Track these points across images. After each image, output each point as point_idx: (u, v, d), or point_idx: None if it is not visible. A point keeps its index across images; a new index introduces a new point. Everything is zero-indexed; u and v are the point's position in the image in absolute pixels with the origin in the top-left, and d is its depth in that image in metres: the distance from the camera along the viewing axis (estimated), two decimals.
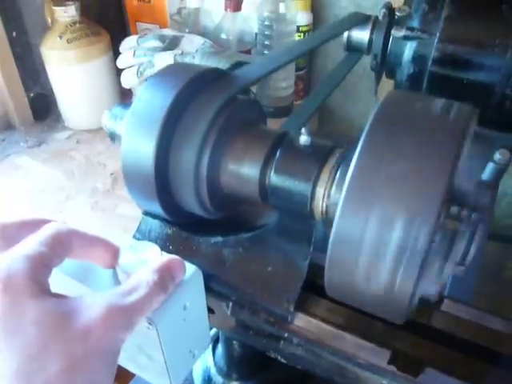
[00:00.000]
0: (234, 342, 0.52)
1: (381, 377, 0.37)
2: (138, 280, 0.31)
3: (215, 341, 0.58)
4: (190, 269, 0.37)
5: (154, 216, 0.45)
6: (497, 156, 0.58)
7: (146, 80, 0.91)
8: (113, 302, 0.28)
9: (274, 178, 0.34)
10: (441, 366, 0.36)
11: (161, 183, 0.37)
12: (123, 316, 0.28)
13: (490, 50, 0.52)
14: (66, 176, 0.89)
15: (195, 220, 0.43)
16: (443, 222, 0.27)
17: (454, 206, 0.28)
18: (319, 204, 0.33)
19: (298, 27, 0.98)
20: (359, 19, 0.64)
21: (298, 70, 1.04)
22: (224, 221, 0.44)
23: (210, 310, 0.42)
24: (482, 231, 0.28)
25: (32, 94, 1.01)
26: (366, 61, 0.65)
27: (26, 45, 0.99)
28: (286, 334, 0.40)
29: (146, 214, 0.45)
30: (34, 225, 0.31)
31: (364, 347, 0.38)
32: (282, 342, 0.40)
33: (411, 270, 0.27)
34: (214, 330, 0.57)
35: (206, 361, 0.58)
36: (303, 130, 0.33)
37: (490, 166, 0.61)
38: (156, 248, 0.37)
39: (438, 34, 0.54)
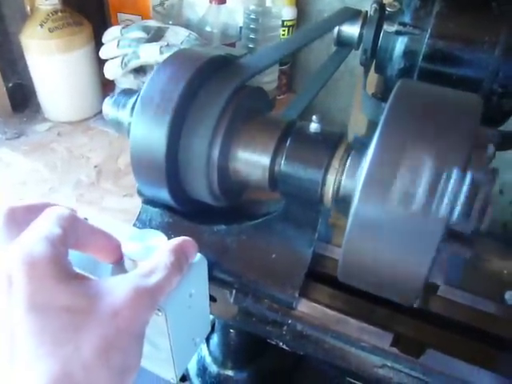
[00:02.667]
0: (230, 331, 0.53)
1: (384, 359, 0.38)
2: (156, 262, 0.31)
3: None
4: (196, 256, 0.37)
5: (155, 204, 0.45)
6: None
7: (130, 71, 0.90)
8: (137, 283, 0.28)
9: (284, 166, 0.35)
10: (441, 348, 0.37)
11: (171, 171, 0.37)
12: (148, 297, 0.28)
13: (479, 47, 0.54)
14: (48, 168, 0.87)
15: (198, 208, 0.43)
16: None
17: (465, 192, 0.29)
18: (329, 191, 0.34)
19: (283, 21, 0.98)
20: (350, 14, 0.65)
21: (281, 64, 1.04)
22: (227, 210, 0.44)
23: (212, 298, 0.42)
24: (490, 215, 0.30)
25: (10, 84, 0.98)
26: (348, 57, 0.67)
27: (4, 33, 0.96)
28: (289, 320, 0.40)
29: (147, 202, 0.45)
30: (41, 208, 0.31)
31: (367, 331, 0.39)
32: (285, 328, 0.41)
33: (426, 253, 0.28)
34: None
35: (201, 350, 0.58)
36: (314, 117, 0.34)
37: None
38: (161, 235, 0.37)
39: (429, 30, 0.55)
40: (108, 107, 0.42)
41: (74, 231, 0.30)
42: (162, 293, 0.30)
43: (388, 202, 0.27)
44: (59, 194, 0.80)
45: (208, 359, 0.57)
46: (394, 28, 0.58)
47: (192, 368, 0.58)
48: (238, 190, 0.41)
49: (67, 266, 0.27)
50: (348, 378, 0.57)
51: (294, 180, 0.35)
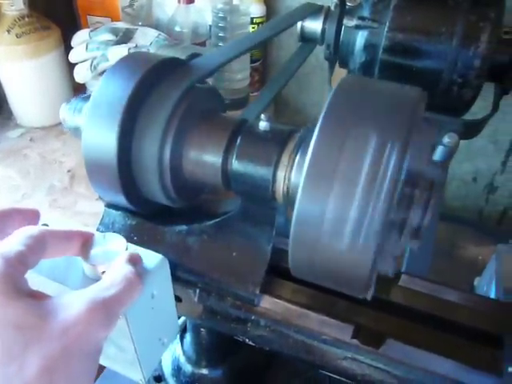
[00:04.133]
0: (202, 330, 0.53)
1: (345, 351, 0.39)
2: (115, 274, 0.31)
3: (183, 330, 0.58)
4: (157, 258, 0.37)
5: (117, 208, 0.45)
6: (446, 139, 0.62)
7: (100, 74, 0.90)
8: (91, 298, 0.28)
9: (235, 165, 0.35)
10: (401, 338, 0.38)
11: (124, 174, 0.37)
12: (103, 312, 0.28)
13: (436, 38, 0.55)
14: (20, 175, 0.86)
15: (159, 210, 0.43)
16: (398, 198, 0.29)
17: (407, 182, 0.30)
18: (280, 187, 0.34)
19: (252, 19, 0.99)
20: (312, 10, 0.66)
21: (253, 61, 1.04)
22: (188, 210, 0.44)
23: (178, 299, 0.42)
24: (434, 207, 0.30)
25: None
26: (319, 51, 0.67)
27: None
28: (252, 317, 0.41)
29: (109, 206, 0.45)
30: (8, 214, 0.31)
31: (328, 324, 0.39)
32: (249, 324, 0.41)
33: (369, 243, 0.28)
34: (182, 319, 0.57)
35: (175, 350, 0.58)
36: (262, 116, 0.34)
37: (440, 149, 0.64)
38: (121, 238, 0.37)
39: (387, 23, 0.56)
40: (65, 113, 0.42)
41: (40, 247, 0.30)
42: (121, 305, 0.30)
43: (330, 195, 0.27)
44: (32, 199, 0.80)
45: (182, 359, 0.57)
46: (353, 22, 0.58)
47: (167, 368, 0.58)
48: (194, 191, 0.41)
49: (21, 284, 0.27)
50: (321, 371, 0.58)
51: (245, 178, 0.35)
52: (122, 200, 0.38)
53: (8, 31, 0.88)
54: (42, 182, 0.84)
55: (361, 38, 0.59)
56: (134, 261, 0.33)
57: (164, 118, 0.34)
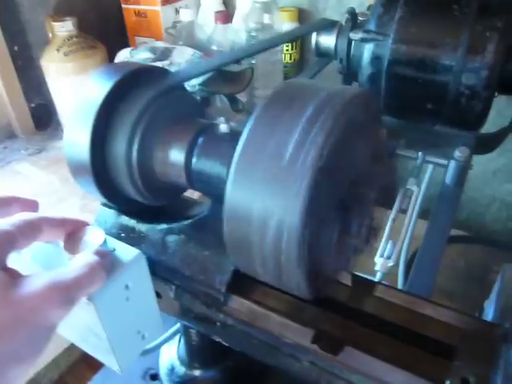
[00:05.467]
0: (192, 332, 0.55)
1: (304, 355, 0.38)
2: (79, 261, 0.33)
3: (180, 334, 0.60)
4: (133, 252, 0.39)
5: (110, 207, 0.48)
6: (457, 153, 0.60)
7: None
8: (52, 278, 0.30)
9: (196, 164, 0.37)
10: (362, 346, 0.37)
11: (99, 172, 0.40)
12: (60, 292, 0.29)
13: (441, 49, 0.54)
14: (60, 181, 0.93)
15: (145, 209, 0.46)
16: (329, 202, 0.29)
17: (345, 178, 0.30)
18: None
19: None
20: (326, 25, 0.67)
21: (286, 79, 1.06)
22: (170, 210, 0.46)
23: (158, 295, 0.44)
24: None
25: (33, 105, 1.06)
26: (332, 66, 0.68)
27: (29, 58, 1.05)
28: (221, 316, 0.42)
29: (104, 205, 0.48)
30: (8, 202, 0.34)
31: (290, 327, 0.39)
32: (218, 324, 0.42)
33: (293, 240, 0.29)
34: (178, 325, 0.59)
35: (171, 353, 0.60)
36: (221, 118, 0.36)
37: (452, 163, 0.62)
38: (100, 232, 0.39)
39: (391, 35, 0.56)
40: None
41: (34, 232, 0.32)
42: (79, 289, 0.31)
43: (250, 196, 0.28)
44: (66, 203, 0.86)
45: (176, 361, 0.58)
46: (359, 35, 0.58)
47: (162, 367, 0.60)
48: (167, 190, 0.43)
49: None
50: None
51: (205, 177, 0.37)
52: (99, 196, 0.41)
53: (58, 50, 0.96)
54: (78, 189, 0.90)
55: (367, 51, 0.59)
56: (102, 254, 0.35)
57: (131, 121, 0.37)
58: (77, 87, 0.38)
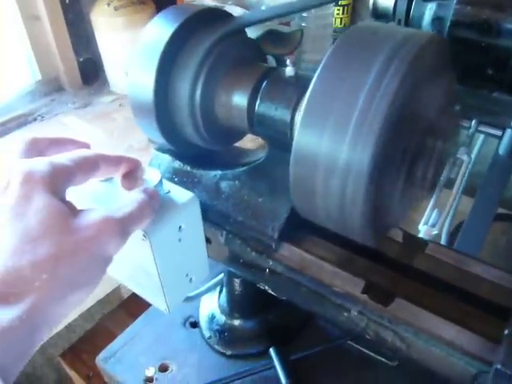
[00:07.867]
0: (236, 281, 0.56)
1: (353, 305, 0.39)
2: (129, 198, 0.34)
3: (221, 286, 0.61)
4: (188, 195, 0.40)
5: (164, 151, 0.48)
6: None
7: None
8: (106, 213, 0.31)
9: (259, 107, 0.37)
10: (411, 299, 0.37)
11: (161, 112, 0.40)
12: (114, 224, 0.31)
13: (507, 12, 0.52)
14: (106, 135, 0.95)
15: (199, 154, 0.46)
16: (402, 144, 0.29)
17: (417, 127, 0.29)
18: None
19: (337, 0, 0.99)
20: None
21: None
22: (224, 157, 0.47)
23: (208, 240, 0.45)
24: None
25: (82, 59, 1.08)
26: None
27: (79, 12, 1.06)
28: (270, 263, 0.42)
29: (158, 149, 0.49)
30: (63, 143, 0.35)
31: (340, 276, 0.39)
32: (267, 271, 0.43)
33: (360, 185, 0.28)
34: (221, 276, 0.60)
35: (211, 303, 0.61)
36: (288, 61, 0.36)
37: (508, 134, 0.60)
38: (156, 172, 0.40)
39: None
40: None
41: (91, 168, 0.33)
42: (131, 223, 0.32)
43: (322, 135, 0.28)
44: None
45: (217, 309, 0.60)
46: None
47: (202, 316, 0.61)
48: (225, 134, 0.43)
49: (59, 190, 0.30)
50: (349, 342, 0.58)
51: (267, 121, 0.37)
52: (158, 137, 0.42)
53: (108, 4, 0.96)
54: (123, 142, 0.92)
55: (429, 11, 0.57)
56: (151, 193, 0.36)
57: (196, 62, 0.37)
58: (143, 29, 0.38)
